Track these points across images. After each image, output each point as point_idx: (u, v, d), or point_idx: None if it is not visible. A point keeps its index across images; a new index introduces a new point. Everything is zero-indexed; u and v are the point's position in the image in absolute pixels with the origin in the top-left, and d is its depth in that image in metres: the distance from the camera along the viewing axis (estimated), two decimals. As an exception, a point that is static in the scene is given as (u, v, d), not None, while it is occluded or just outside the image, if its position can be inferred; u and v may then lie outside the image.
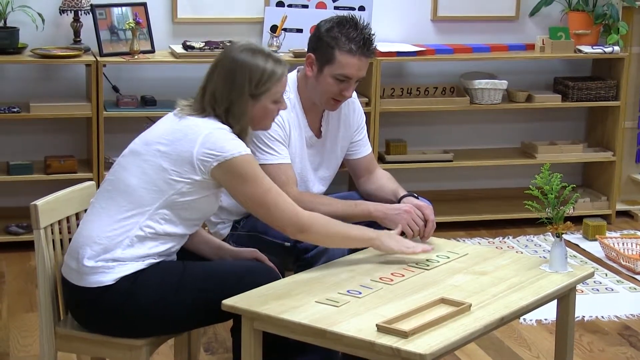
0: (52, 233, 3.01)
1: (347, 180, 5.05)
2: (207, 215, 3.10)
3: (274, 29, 5.23)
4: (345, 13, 3.44)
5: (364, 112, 3.71)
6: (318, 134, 3.51)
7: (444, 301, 2.77)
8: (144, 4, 5.13)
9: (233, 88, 2.95)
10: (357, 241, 3.12)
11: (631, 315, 4.38)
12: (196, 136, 2.89)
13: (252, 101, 2.96)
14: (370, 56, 3.38)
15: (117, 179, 2.95)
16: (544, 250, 5.16)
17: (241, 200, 2.97)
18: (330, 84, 3.36)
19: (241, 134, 2.97)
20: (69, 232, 3.10)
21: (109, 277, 2.86)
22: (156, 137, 2.96)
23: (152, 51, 5.09)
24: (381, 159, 5.35)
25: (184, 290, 2.90)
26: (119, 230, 2.88)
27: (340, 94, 3.38)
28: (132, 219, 2.89)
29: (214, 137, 2.89)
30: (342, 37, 3.32)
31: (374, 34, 3.39)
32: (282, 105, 3.06)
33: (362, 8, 5.36)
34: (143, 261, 2.90)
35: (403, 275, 3.00)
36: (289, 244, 3.26)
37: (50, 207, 2.97)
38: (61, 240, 3.07)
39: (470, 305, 2.74)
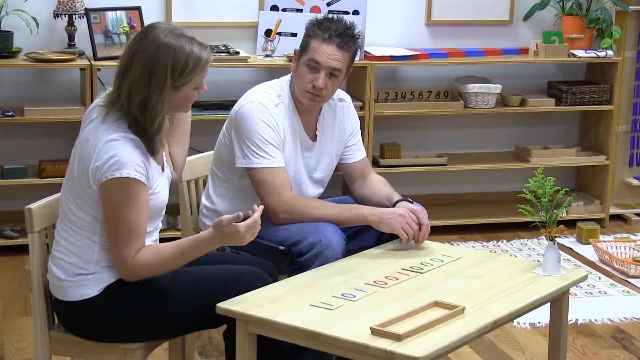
0: (47, 237, 3.00)
1: (342, 184, 5.05)
2: (155, 212, 2.92)
3: (268, 33, 5.24)
4: (339, 16, 3.44)
5: (358, 117, 3.71)
6: (313, 137, 3.51)
7: (437, 304, 2.78)
8: (139, 8, 5.14)
9: (153, 78, 2.78)
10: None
11: (624, 318, 4.39)
12: (91, 151, 2.76)
13: (172, 91, 2.81)
14: (345, 49, 3.34)
15: (62, 207, 2.89)
16: (537, 254, 5.16)
17: (104, 220, 2.81)
18: (303, 73, 3.36)
19: (152, 138, 2.81)
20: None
21: (91, 289, 2.85)
22: (72, 156, 2.87)
23: (147, 55, 5.08)
24: (375, 163, 5.36)
25: (174, 296, 2.88)
26: (84, 249, 2.84)
27: (311, 84, 3.35)
28: (89, 240, 2.84)
29: (105, 150, 2.75)
30: (320, 27, 3.36)
31: (357, 34, 3.39)
32: (202, 89, 2.91)
33: (356, 12, 5.37)
34: None
35: (397, 279, 3.01)
36: (282, 247, 3.27)
37: (44, 210, 2.96)
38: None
39: (464, 309, 2.74)
